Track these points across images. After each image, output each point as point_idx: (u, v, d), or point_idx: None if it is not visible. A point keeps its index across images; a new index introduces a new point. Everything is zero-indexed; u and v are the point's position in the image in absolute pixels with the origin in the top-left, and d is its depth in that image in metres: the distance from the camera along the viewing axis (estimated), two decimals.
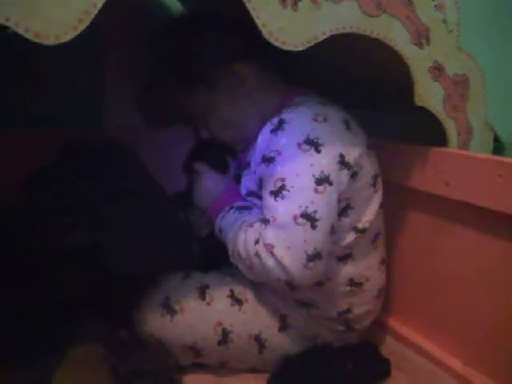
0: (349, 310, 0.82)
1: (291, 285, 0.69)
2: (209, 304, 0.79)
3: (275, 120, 0.75)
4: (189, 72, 0.82)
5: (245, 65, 0.81)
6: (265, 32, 0.62)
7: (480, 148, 0.83)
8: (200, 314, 0.78)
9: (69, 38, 0.53)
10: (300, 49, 0.65)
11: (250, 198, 0.82)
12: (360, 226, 0.78)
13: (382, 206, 0.81)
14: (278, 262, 0.68)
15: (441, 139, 0.80)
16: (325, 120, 0.74)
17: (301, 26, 0.64)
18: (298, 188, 0.70)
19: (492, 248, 0.73)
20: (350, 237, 0.78)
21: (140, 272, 0.75)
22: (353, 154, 0.74)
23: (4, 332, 0.67)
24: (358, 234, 0.78)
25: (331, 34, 0.66)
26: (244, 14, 0.61)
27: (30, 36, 0.52)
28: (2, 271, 0.71)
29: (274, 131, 0.74)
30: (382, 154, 0.82)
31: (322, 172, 0.71)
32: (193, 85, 0.83)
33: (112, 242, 0.73)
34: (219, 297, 0.80)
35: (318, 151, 0.71)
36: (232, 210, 0.81)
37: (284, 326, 0.80)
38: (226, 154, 0.91)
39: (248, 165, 0.83)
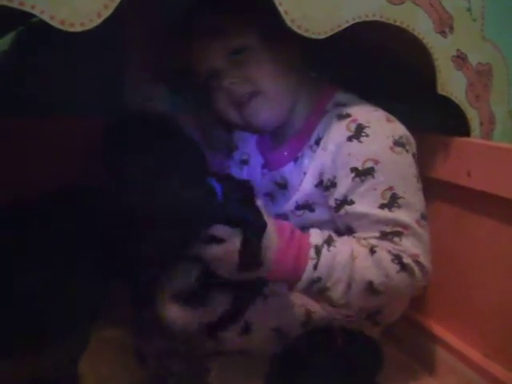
0: (380, 312, 0.80)
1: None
2: None
3: (350, 125, 0.70)
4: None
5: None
6: (287, 19, 0.62)
7: (503, 138, 0.82)
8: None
9: (93, 25, 0.54)
10: (323, 36, 0.64)
11: (299, 212, 0.77)
12: None
13: None
14: (423, 270, 0.67)
15: (457, 129, 0.79)
16: (394, 119, 0.73)
17: (324, 14, 0.63)
18: (411, 192, 0.69)
19: None
20: None
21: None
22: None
23: (32, 312, 0.68)
24: None
25: (354, 21, 0.66)
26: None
27: (55, 23, 0.53)
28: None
29: (355, 138, 0.70)
30: None
31: (416, 170, 0.71)
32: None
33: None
34: None
35: (407, 151, 0.70)
36: (324, 250, 0.66)
37: (307, 322, 0.79)
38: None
39: (291, 173, 0.78)
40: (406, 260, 0.66)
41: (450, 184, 0.80)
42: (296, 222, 0.76)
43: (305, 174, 0.76)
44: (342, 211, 0.70)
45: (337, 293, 0.66)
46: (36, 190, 0.84)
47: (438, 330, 0.86)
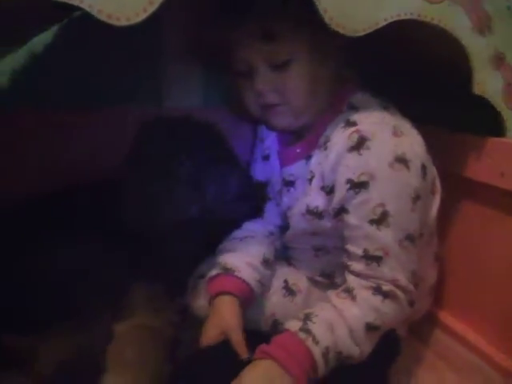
0: None
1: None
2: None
3: (353, 135, 0.70)
4: None
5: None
6: (326, 17, 0.62)
7: None
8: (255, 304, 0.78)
9: (139, 19, 0.56)
10: (360, 34, 0.65)
11: (309, 217, 0.77)
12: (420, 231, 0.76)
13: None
14: (405, 291, 0.68)
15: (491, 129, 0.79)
16: (402, 132, 0.71)
17: (362, 11, 0.64)
18: (401, 211, 0.69)
19: None
20: None
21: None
22: (427, 162, 0.73)
23: (61, 296, 0.72)
24: None
25: (392, 20, 0.66)
26: None
27: (102, 17, 0.55)
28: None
29: (355, 150, 0.69)
30: (437, 144, 0.81)
31: (415, 190, 0.69)
32: None
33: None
34: (274, 288, 0.80)
35: (408, 168, 0.69)
36: (313, 330, 0.65)
37: None
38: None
39: (311, 177, 0.78)
40: (386, 287, 0.67)
41: (482, 184, 0.80)
42: (306, 226, 0.78)
43: (312, 173, 0.77)
44: (339, 218, 0.72)
45: (350, 349, 0.66)
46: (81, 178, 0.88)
47: (465, 330, 0.86)
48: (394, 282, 0.68)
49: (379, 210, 0.68)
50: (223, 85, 1.16)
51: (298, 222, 0.80)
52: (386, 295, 0.67)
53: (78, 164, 1.00)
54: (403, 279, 0.68)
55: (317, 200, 0.76)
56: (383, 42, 0.73)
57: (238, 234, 0.85)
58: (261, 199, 0.89)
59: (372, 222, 0.68)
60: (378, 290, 0.67)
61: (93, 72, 1.03)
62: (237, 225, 0.84)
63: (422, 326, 0.91)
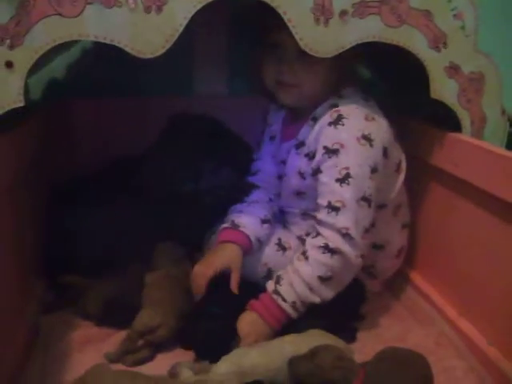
0: (372, 266, 1.01)
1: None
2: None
3: (333, 114, 0.90)
4: None
5: None
6: (302, 44, 0.82)
7: (493, 135, 0.97)
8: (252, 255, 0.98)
9: (159, 53, 0.77)
10: (329, 56, 0.83)
11: (295, 177, 0.97)
12: (382, 202, 0.96)
13: (404, 183, 0.98)
14: (352, 241, 0.85)
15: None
16: (373, 119, 0.91)
17: (331, 39, 0.82)
18: (361, 176, 0.87)
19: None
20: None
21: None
22: (390, 145, 0.92)
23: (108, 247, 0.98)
24: (379, 209, 0.95)
25: (356, 43, 0.84)
26: None
27: (134, 53, 0.77)
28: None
29: (333, 124, 0.89)
30: (409, 132, 1.00)
31: (374, 163, 0.88)
32: None
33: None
34: (269, 243, 1.00)
35: (371, 145, 0.88)
36: (281, 291, 0.86)
37: None
38: None
39: (300, 143, 0.97)
40: (332, 245, 0.85)
41: (442, 170, 0.97)
42: (294, 185, 0.99)
43: (299, 141, 0.96)
44: (315, 177, 0.91)
45: (311, 298, 0.86)
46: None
47: (431, 290, 1.04)
48: (345, 230, 0.84)
49: (344, 172, 0.86)
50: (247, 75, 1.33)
51: (288, 181, 1.01)
52: (333, 252, 0.85)
53: (123, 144, 1.24)
54: (353, 230, 0.85)
55: (302, 163, 0.96)
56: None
57: (246, 198, 1.05)
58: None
59: (337, 180, 0.86)
60: (325, 249, 0.85)
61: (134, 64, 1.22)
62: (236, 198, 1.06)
63: (396, 284, 1.10)
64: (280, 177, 1.05)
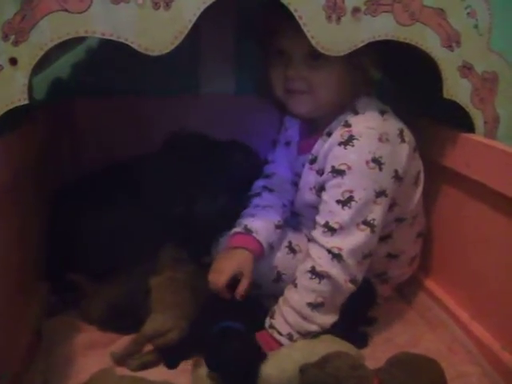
0: (384, 273, 0.99)
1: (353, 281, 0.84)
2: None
3: (344, 134, 0.86)
4: None
5: None
6: (313, 42, 0.80)
7: (507, 135, 0.95)
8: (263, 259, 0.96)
9: (168, 50, 0.75)
10: (342, 54, 0.81)
11: (307, 192, 0.95)
12: (401, 216, 0.93)
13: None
14: (343, 264, 0.82)
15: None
16: (387, 140, 0.86)
17: (343, 37, 0.80)
18: (364, 200, 0.83)
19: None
20: (392, 225, 0.94)
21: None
22: (404, 167, 0.88)
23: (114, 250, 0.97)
24: (398, 223, 0.93)
25: (369, 41, 0.82)
26: None
27: (141, 50, 0.75)
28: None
29: (343, 144, 0.86)
30: (424, 134, 0.97)
31: (381, 187, 0.85)
32: None
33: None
34: (280, 247, 0.98)
35: (381, 169, 0.84)
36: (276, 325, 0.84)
37: None
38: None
39: (314, 158, 0.94)
40: (319, 268, 0.82)
41: (455, 172, 0.95)
42: (306, 199, 0.97)
43: (313, 156, 0.94)
44: (320, 194, 0.89)
45: (306, 327, 0.83)
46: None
47: (444, 295, 1.01)
48: (338, 250, 0.82)
49: (347, 195, 0.83)
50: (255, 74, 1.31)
51: (302, 195, 0.99)
52: (320, 276, 0.82)
53: (129, 144, 1.23)
54: (346, 252, 0.82)
55: (314, 179, 0.94)
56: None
57: (259, 202, 1.01)
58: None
59: (338, 202, 0.84)
60: (313, 273, 0.82)
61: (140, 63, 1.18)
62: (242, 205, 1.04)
63: (409, 289, 1.08)
64: (295, 184, 1.03)
